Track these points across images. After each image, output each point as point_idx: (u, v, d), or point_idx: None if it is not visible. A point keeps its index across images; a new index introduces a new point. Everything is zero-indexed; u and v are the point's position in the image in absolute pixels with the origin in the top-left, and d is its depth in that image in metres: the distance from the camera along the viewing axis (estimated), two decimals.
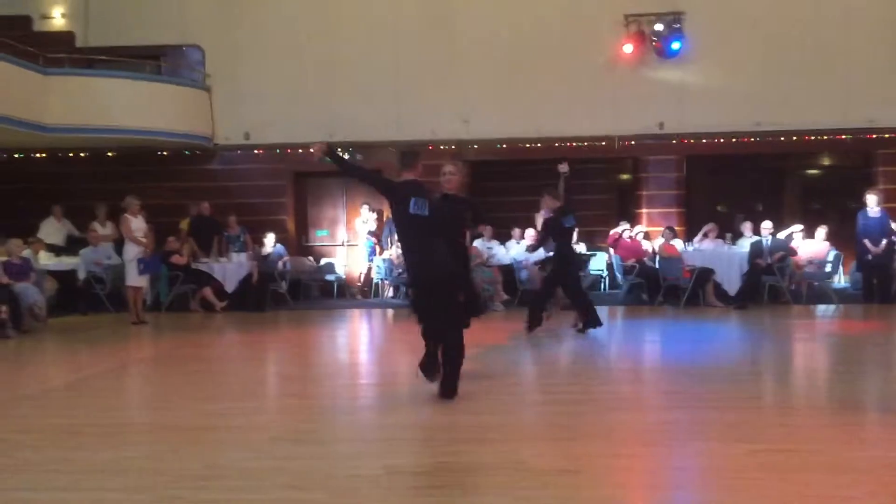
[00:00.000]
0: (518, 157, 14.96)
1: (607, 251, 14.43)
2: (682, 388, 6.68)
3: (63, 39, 15.14)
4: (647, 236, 14.42)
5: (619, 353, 9.27)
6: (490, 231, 13.58)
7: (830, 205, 16.67)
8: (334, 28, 15.12)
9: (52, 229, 14.04)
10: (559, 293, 10.67)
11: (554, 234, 9.80)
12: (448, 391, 6.09)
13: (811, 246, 13.45)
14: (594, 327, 9.79)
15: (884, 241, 12.91)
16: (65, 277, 13.04)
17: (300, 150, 15.15)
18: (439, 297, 6.12)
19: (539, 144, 14.78)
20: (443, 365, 6.16)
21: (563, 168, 9.55)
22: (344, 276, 15.41)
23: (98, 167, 15.29)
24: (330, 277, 15.23)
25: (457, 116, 14.90)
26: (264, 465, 4.62)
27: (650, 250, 13.84)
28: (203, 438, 5.24)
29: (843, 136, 14.67)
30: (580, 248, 13.89)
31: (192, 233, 14.13)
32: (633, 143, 15.01)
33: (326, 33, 15.12)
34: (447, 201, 7.08)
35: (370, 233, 14.73)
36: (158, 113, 14.30)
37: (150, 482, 4.38)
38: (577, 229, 10.68)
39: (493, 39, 14.89)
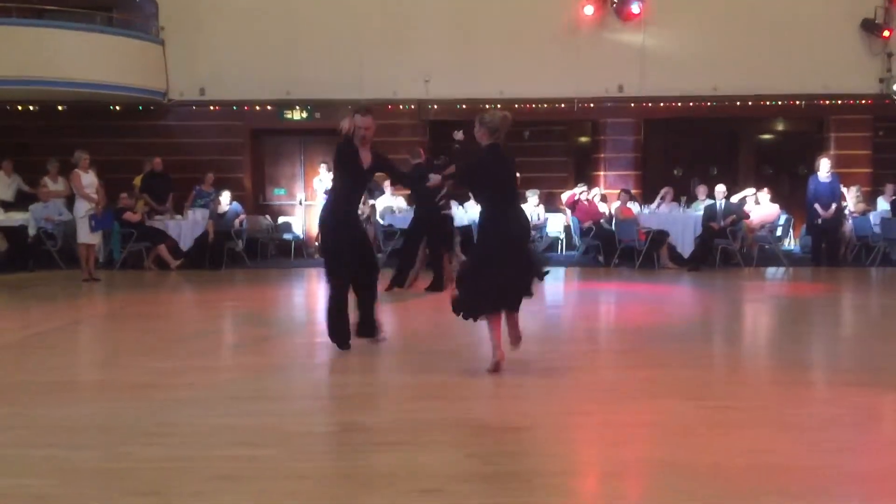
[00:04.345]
0: None
1: (564, 213, 14.52)
2: (634, 348, 6.80)
3: None
4: (603, 199, 14.53)
5: (573, 313, 9.37)
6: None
7: (783, 169, 16.95)
8: None
9: (2, 184, 13.70)
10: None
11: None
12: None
13: (763, 210, 13.67)
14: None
15: (833, 206, 13.18)
16: (14, 233, 12.76)
17: (257, 108, 14.98)
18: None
19: (499, 105, 14.65)
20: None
21: (458, 136, 9.79)
22: (301, 236, 15.29)
23: (49, 121, 14.89)
24: (287, 237, 15.10)
25: (418, 76, 14.78)
26: (217, 422, 4.60)
27: (607, 213, 13.97)
28: (154, 396, 5.19)
29: (798, 102, 14.87)
30: (538, 210, 13.97)
31: (144, 189, 13.89)
32: (592, 105, 15.05)
33: None
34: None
35: (327, 192, 14.58)
36: (110, 66, 13.92)
37: (100, 439, 4.34)
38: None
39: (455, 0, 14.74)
